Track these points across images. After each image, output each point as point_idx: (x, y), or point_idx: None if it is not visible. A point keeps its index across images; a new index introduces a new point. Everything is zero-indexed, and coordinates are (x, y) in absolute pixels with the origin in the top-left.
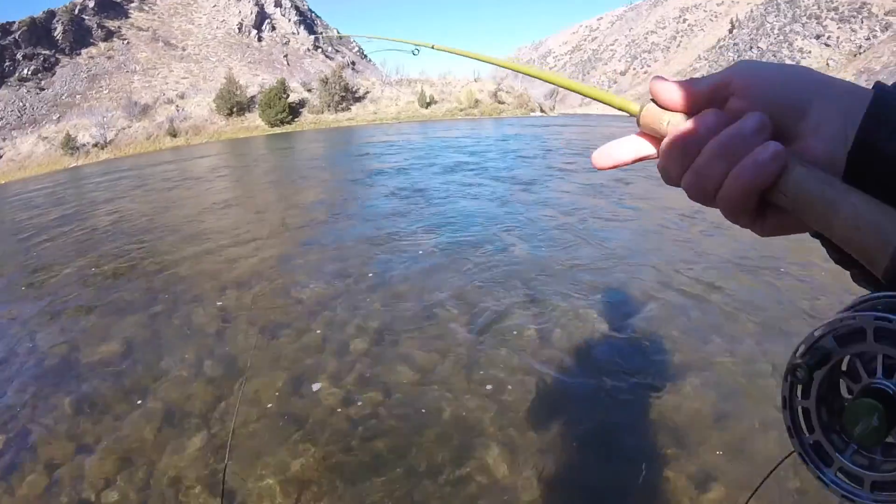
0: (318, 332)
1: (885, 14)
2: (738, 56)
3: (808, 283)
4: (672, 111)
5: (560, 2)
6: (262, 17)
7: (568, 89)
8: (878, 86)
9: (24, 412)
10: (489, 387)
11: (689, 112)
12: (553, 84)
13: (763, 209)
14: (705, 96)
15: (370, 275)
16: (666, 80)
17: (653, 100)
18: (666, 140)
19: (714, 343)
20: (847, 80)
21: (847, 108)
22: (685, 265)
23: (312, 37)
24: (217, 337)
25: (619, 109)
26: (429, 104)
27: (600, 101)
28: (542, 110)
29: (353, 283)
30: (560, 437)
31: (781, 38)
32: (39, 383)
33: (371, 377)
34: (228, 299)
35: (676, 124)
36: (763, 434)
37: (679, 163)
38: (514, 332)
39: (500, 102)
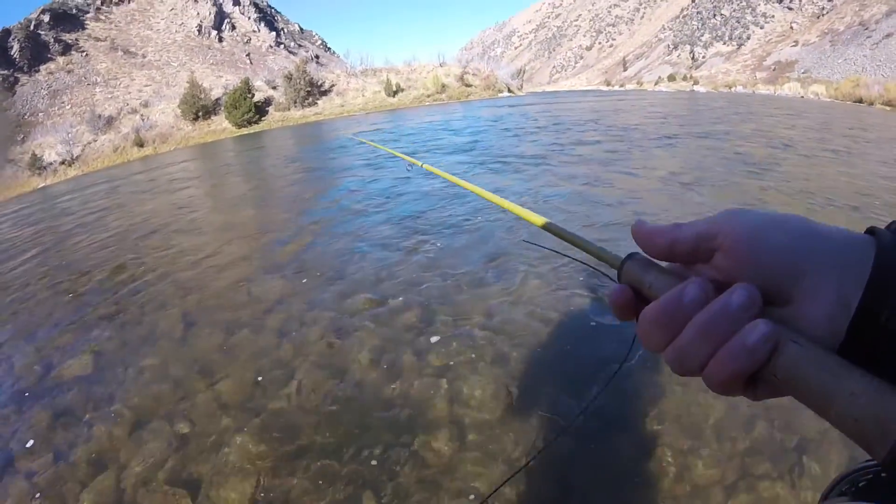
0: (277, 328)
1: None
2: (702, 24)
3: None
4: (655, 258)
5: None
6: (221, 18)
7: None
8: (879, 242)
9: (2, 428)
10: (444, 378)
11: (672, 260)
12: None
13: (754, 381)
14: (689, 247)
15: (331, 273)
16: (646, 226)
17: (630, 254)
18: (646, 310)
19: None
20: (811, 40)
21: (845, 272)
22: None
23: (273, 33)
24: (181, 341)
25: (599, 259)
26: (396, 93)
27: (588, 253)
28: (509, 90)
29: (315, 280)
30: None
31: (744, 3)
32: (16, 400)
33: (326, 368)
34: (190, 304)
35: (659, 289)
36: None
37: (660, 336)
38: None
39: (467, 86)
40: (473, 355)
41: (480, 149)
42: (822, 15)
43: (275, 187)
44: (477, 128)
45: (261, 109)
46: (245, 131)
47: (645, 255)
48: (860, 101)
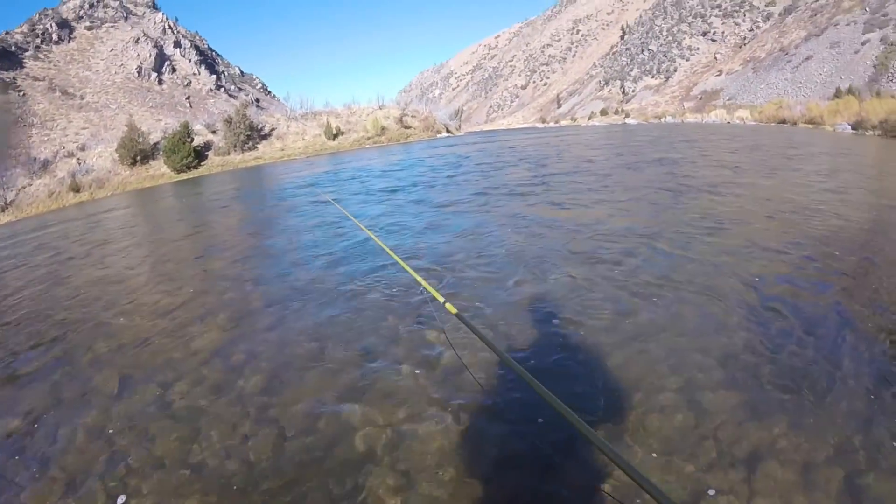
0: (214, 379)
1: (766, 5)
2: (631, 60)
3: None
4: None
5: (459, 23)
6: (161, 60)
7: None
8: None
9: None
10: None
11: None
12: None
13: None
14: None
15: (269, 321)
16: None
17: None
18: None
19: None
20: (735, 69)
21: None
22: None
23: (213, 76)
24: (116, 398)
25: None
26: (336, 136)
27: None
28: (448, 131)
29: (253, 329)
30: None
31: (670, 38)
32: None
33: (265, 418)
34: (126, 358)
35: None
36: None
37: None
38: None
39: (406, 127)
40: (418, 400)
41: (410, 193)
42: (745, 44)
43: (212, 235)
44: (411, 172)
45: (200, 154)
46: (184, 176)
47: None
48: (784, 121)
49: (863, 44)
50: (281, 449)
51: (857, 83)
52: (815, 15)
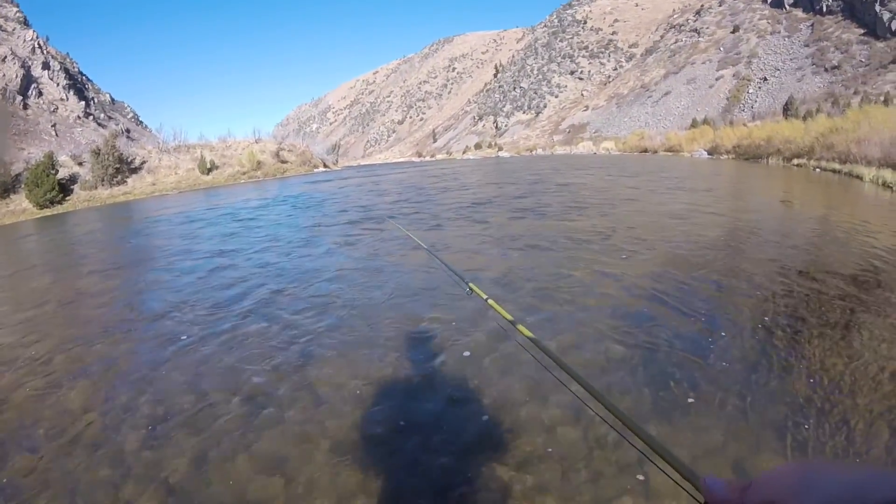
0: (89, 440)
1: (629, 47)
2: (504, 97)
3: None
4: None
5: (337, 57)
6: (28, 82)
7: None
8: None
9: None
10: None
11: None
12: None
13: None
14: None
15: (142, 372)
16: (718, 487)
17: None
18: None
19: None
20: (600, 104)
21: None
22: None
23: (82, 103)
24: None
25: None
26: (210, 170)
27: None
28: (325, 165)
29: (124, 382)
30: None
31: (541, 77)
32: None
33: (145, 479)
34: None
35: None
36: None
37: None
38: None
39: (283, 162)
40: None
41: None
42: (609, 82)
43: (79, 281)
44: (284, 206)
45: (65, 188)
46: (48, 212)
47: None
48: (645, 150)
49: (717, 79)
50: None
51: (712, 114)
52: (674, 55)
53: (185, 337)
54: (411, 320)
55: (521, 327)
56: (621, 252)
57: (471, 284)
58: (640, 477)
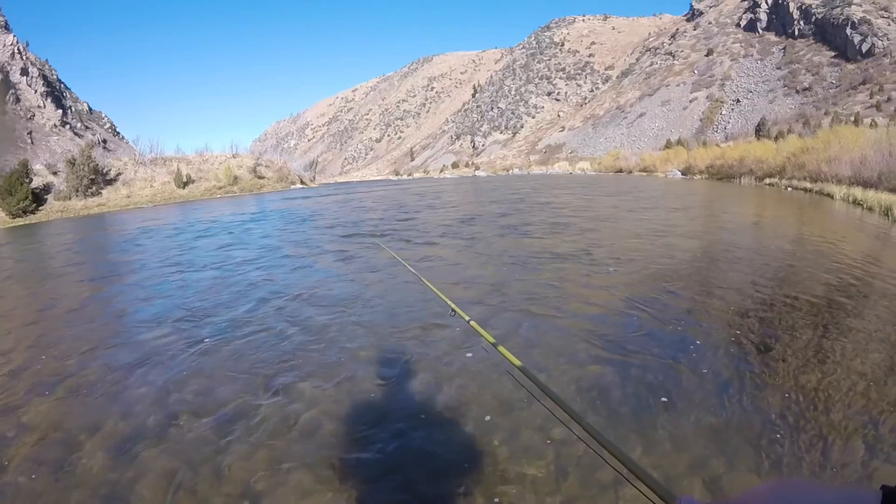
0: (54, 460)
1: (605, 69)
2: (482, 116)
3: None
4: None
5: (316, 74)
6: (6, 87)
7: None
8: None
9: None
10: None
11: None
12: None
13: None
14: None
15: (109, 389)
16: (694, 503)
17: None
18: None
19: None
20: (576, 125)
21: None
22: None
23: (60, 111)
24: None
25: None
26: (186, 184)
27: None
28: (302, 182)
29: (91, 398)
30: None
31: (518, 97)
32: None
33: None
34: None
35: None
36: None
37: None
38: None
39: (259, 178)
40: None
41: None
42: (585, 103)
43: (51, 297)
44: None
45: (39, 197)
46: (21, 222)
47: None
48: (621, 171)
49: (691, 101)
50: None
51: (686, 135)
52: (649, 77)
53: (158, 355)
54: (391, 339)
55: (501, 348)
56: (607, 266)
57: (454, 307)
58: (616, 498)
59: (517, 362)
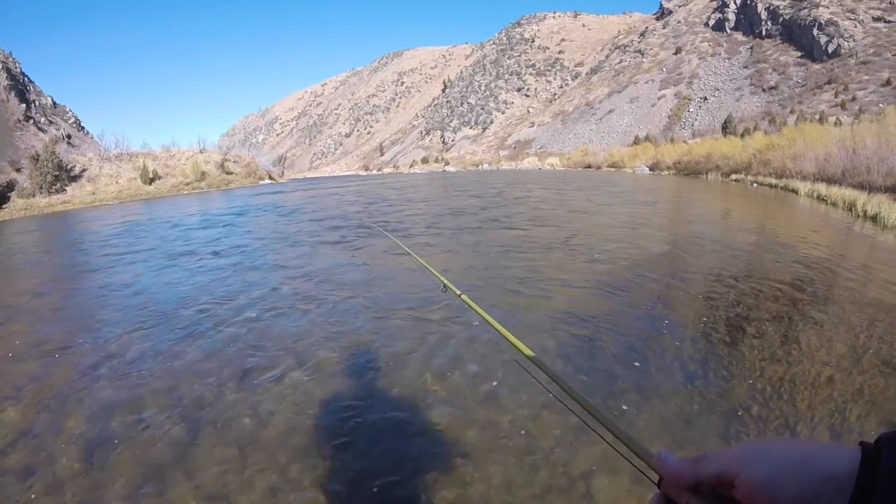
0: (24, 464)
1: (575, 66)
2: (451, 112)
3: None
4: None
5: (286, 67)
6: None
7: None
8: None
9: None
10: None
11: (700, 489)
12: None
13: None
14: (711, 483)
15: (77, 391)
16: (671, 463)
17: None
18: None
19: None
20: (546, 121)
21: None
22: None
23: (23, 105)
24: None
25: (631, 452)
26: (153, 180)
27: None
28: (271, 178)
29: (61, 403)
30: None
31: (488, 93)
32: None
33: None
34: None
35: None
36: None
37: None
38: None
39: (227, 173)
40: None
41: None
42: (555, 100)
43: (18, 298)
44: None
45: (2, 195)
46: None
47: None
48: (589, 166)
49: (659, 98)
50: None
51: (654, 132)
52: (618, 74)
53: (120, 358)
54: (389, 314)
55: (489, 318)
56: (584, 256)
57: (445, 282)
58: (594, 455)
59: (504, 331)
